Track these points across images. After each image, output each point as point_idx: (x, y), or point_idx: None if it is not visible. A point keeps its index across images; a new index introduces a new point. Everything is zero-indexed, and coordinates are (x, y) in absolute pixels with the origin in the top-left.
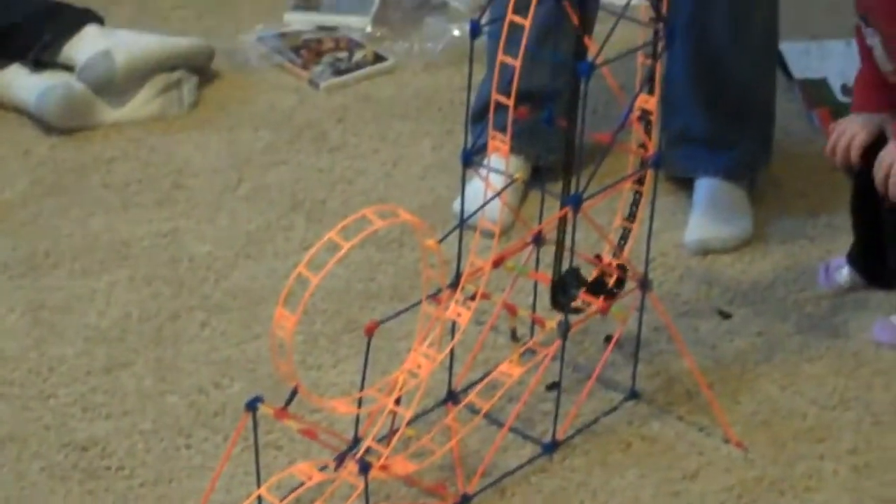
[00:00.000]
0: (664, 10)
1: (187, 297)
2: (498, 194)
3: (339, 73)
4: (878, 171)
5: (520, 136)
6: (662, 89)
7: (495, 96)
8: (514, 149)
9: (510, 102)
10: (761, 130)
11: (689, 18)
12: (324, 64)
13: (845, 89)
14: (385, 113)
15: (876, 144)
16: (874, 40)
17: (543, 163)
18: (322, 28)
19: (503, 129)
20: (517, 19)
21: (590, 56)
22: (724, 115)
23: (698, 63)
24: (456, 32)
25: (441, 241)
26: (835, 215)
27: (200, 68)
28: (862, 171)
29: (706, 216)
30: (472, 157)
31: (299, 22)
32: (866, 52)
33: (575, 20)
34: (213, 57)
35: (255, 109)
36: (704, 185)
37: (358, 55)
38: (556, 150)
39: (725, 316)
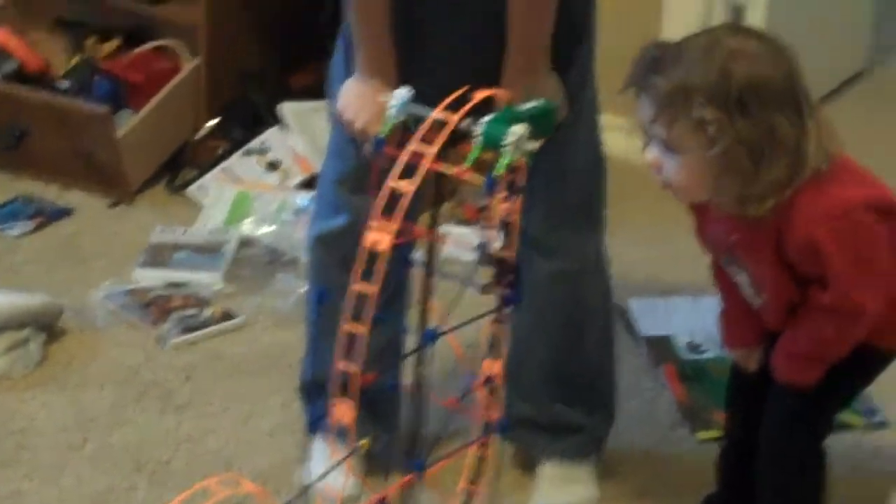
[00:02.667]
0: (508, 277)
1: None
2: (342, 461)
3: (187, 330)
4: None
5: (363, 420)
6: (513, 375)
7: (340, 364)
8: (358, 431)
9: (356, 370)
10: (605, 412)
11: (534, 320)
12: (172, 321)
13: (691, 346)
14: (234, 371)
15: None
16: (741, 277)
17: (385, 454)
18: (172, 285)
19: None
20: (365, 288)
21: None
22: (573, 407)
23: (547, 363)
24: (305, 290)
25: None
26: (681, 472)
27: (48, 326)
28: (733, 420)
29: (551, 487)
30: (317, 424)
31: (149, 278)
32: (729, 289)
33: (419, 287)
34: (61, 314)
35: (101, 367)
36: (548, 466)
37: (207, 312)
38: (398, 441)
39: None
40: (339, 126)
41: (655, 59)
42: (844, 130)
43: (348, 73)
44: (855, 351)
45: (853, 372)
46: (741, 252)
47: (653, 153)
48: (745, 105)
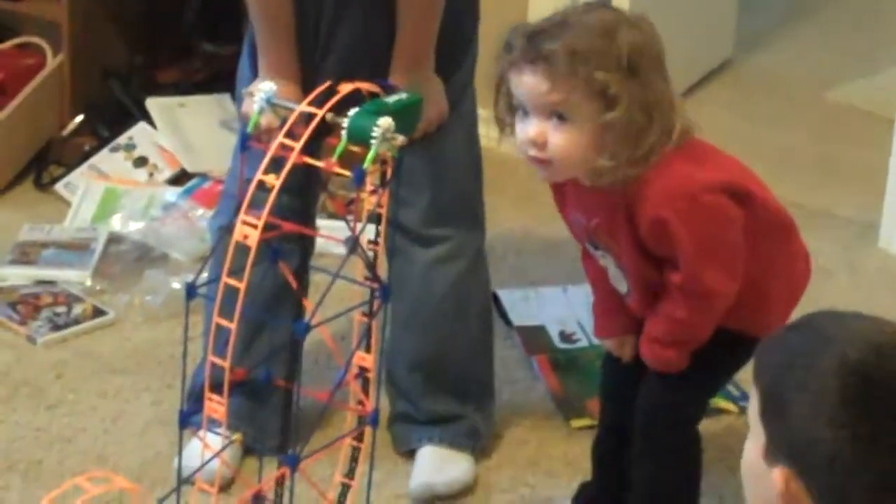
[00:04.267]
0: (377, 269)
1: None
2: (215, 455)
3: (57, 328)
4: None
5: (237, 415)
6: (389, 372)
7: (211, 358)
8: (231, 426)
9: (226, 365)
10: (483, 406)
11: (409, 311)
12: (42, 319)
13: (563, 335)
14: (104, 368)
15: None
16: (607, 260)
17: (259, 448)
18: (40, 282)
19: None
20: (233, 282)
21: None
22: (447, 398)
23: (421, 354)
24: (176, 285)
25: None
26: (556, 460)
27: None
28: (606, 409)
29: (429, 465)
30: (188, 419)
31: (16, 276)
32: (598, 278)
33: (293, 282)
34: None
35: None
36: (427, 448)
37: (77, 309)
38: (272, 435)
39: None
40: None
41: (541, 31)
42: (713, 118)
43: (254, 75)
44: (720, 336)
45: (720, 357)
46: (603, 236)
47: (537, 127)
48: (634, 67)
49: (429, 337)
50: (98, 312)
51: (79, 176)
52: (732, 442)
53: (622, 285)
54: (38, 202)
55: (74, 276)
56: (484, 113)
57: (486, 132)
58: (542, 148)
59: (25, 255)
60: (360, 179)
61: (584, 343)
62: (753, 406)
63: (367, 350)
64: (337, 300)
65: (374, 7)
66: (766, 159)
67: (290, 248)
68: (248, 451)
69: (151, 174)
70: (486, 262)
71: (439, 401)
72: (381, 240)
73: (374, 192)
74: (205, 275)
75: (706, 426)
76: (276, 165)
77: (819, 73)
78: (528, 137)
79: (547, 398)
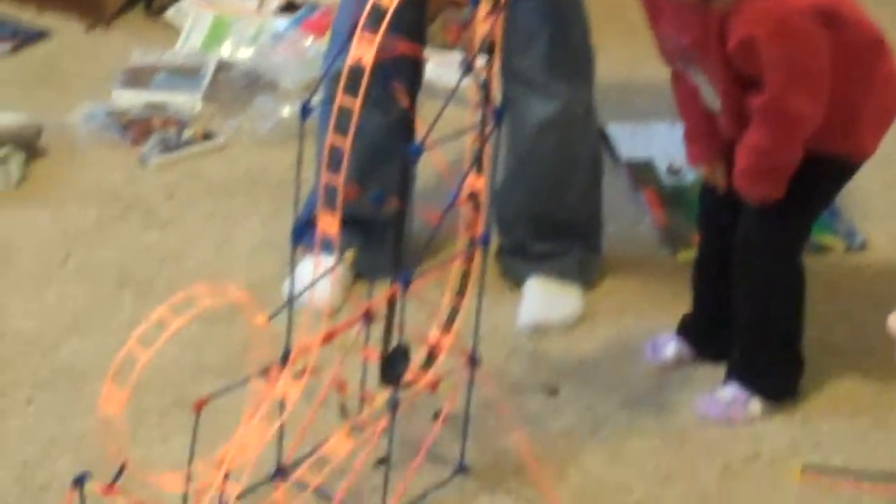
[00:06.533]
0: (491, 92)
1: (13, 373)
2: (327, 272)
3: (168, 149)
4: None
5: (349, 245)
6: (498, 214)
7: (325, 178)
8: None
9: (339, 182)
10: (591, 243)
11: (518, 167)
12: (153, 141)
13: (671, 170)
14: (214, 190)
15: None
16: (700, 78)
17: (370, 274)
18: (151, 105)
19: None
20: (347, 102)
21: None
22: (556, 234)
23: (529, 206)
24: (285, 113)
25: (270, 318)
26: (661, 292)
27: (28, 145)
28: (705, 238)
29: (537, 301)
30: (302, 235)
31: (128, 99)
32: (688, 101)
33: (405, 103)
34: (40, 134)
35: (83, 186)
36: (535, 280)
37: (187, 132)
38: (383, 268)
39: (553, 392)
40: None
41: None
42: None
43: None
44: (813, 162)
45: (815, 183)
46: (694, 53)
47: None
48: None
49: (537, 192)
50: (208, 136)
51: (189, 3)
52: (837, 278)
53: (715, 103)
54: (148, 28)
55: (185, 100)
56: None
57: None
58: None
59: (137, 79)
60: (475, 1)
61: (691, 177)
62: None
63: (479, 173)
64: (449, 131)
65: None
66: None
67: (400, 72)
68: (359, 274)
69: (261, 2)
70: (596, 116)
71: (549, 239)
72: (494, 62)
73: (486, 18)
74: (317, 97)
75: (810, 263)
76: None
77: None
78: None
79: (653, 232)
